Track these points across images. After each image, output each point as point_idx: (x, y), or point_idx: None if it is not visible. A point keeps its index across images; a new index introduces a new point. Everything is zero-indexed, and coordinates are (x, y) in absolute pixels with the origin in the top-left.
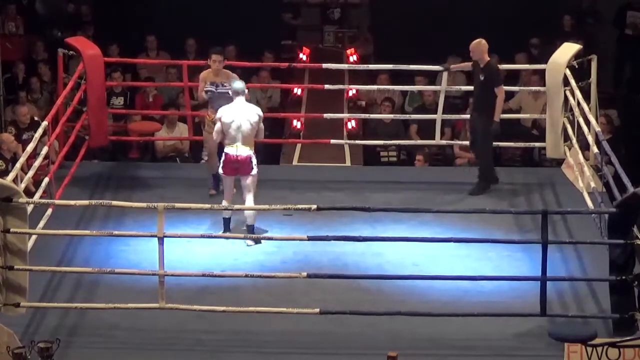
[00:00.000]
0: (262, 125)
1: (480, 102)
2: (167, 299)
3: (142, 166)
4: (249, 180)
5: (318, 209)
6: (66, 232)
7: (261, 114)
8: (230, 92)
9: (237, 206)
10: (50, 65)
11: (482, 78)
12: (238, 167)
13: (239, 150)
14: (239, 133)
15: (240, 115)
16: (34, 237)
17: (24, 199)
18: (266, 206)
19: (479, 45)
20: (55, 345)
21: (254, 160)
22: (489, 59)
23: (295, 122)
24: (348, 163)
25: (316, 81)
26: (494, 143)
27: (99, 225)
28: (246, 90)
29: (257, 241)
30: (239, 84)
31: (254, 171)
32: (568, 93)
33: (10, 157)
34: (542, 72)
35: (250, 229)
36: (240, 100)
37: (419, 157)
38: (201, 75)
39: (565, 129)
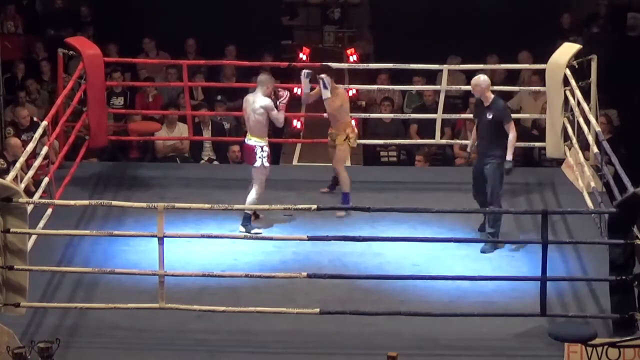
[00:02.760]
0: (274, 113)
1: (489, 143)
2: (167, 299)
3: (142, 166)
4: (254, 172)
5: (318, 209)
6: (66, 232)
7: (265, 103)
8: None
9: (237, 206)
10: (50, 65)
11: (489, 117)
12: (246, 155)
13: (247, 139)
14: (248, 123)
15: (249, 105)
16: (34, 237)
17: (24, 199)
18: (266, 206)
19: (478, 82)
20: (55, 345)
21: (260, 153)
22: (492, 95)
23: (295, 122)
24: (348, 163)
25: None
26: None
27: (99, 225)
28: (268, 84)
29: (247, 230)
30: (261, 76)
31: (258, 163)
32: (568, 93)
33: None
34: (542, 72)
35: (246, 217)
36: (257, 91)
37: (419, 157)
38: None
39: (565, 129)
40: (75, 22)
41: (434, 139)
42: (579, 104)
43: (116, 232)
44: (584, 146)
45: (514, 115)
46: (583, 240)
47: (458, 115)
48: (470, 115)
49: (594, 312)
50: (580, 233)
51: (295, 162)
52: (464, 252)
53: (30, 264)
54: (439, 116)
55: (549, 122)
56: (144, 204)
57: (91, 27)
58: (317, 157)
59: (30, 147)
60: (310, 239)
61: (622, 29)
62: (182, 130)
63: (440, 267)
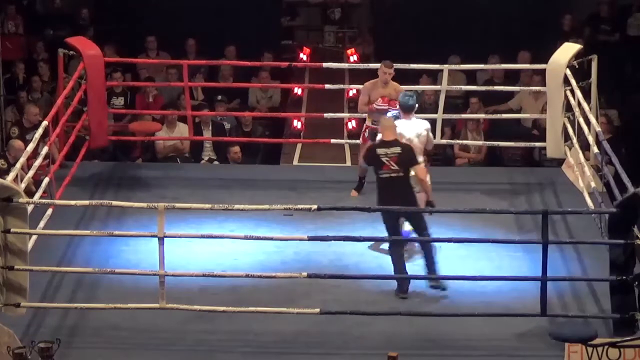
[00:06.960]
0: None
1: None
2: (167, 299)
3: (142, 166)
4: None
5: (318, 209)
6: (66, 232)
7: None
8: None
9: (237, 206)
10: (50, 65)
11: None
12: None
13: None
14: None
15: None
16: (34, 237)
17: (24, 199)
18: (266, 206)
19: None
20: (55, 345)
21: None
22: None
23: (295, 122)
24: (348, 163)
25: (316, 81)
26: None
27: (99, 225)
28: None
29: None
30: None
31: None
32: (568, 93)
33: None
34: (543, 72)
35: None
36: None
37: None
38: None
39: (565, 129)
40: (75, 23)
41: (434, 139)
42: (579, 104)
43: (116, 232)
44: (585, 146)
45: (514, 115)
46: (583, 241)
47: (458, 115)
48: (471, 115)
49: (595, 312)
50: (580, 233)
51: (295, 162)
52: (464, 252)
53: (30, 264)
54: (439, 116)
55: (550, 122)
56: (144, 204)
57: (91, 28)
58: (317, 157)
59: (30, 147)
60: (310, 239)
61: (623, 29)
62: (182, 130)
63: (441, 267)
